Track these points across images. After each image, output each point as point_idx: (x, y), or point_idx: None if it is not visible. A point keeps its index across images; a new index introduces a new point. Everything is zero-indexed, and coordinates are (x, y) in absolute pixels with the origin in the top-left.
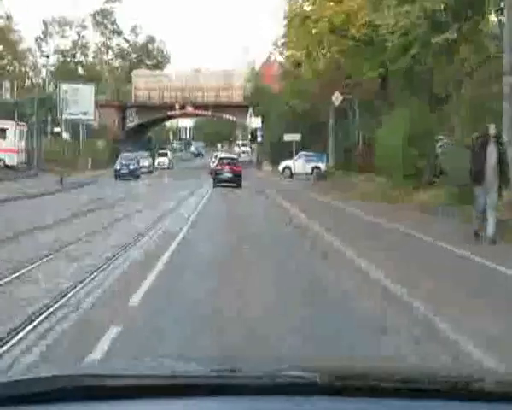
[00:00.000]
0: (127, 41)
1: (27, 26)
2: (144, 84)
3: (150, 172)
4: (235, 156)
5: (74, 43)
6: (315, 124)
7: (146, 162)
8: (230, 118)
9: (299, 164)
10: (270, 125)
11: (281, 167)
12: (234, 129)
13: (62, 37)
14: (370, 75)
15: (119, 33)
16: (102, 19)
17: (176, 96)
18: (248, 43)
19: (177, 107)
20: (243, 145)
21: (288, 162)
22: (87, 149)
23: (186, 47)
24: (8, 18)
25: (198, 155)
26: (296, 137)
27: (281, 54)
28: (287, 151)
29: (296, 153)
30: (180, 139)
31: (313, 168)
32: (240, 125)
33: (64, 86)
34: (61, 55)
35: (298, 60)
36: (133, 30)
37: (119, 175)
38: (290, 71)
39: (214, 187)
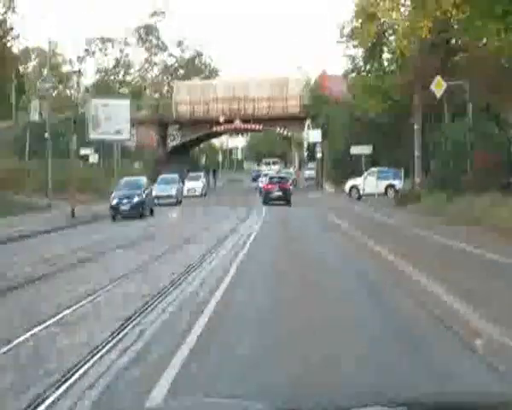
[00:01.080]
0: (173, 56)
1: (72, 47)
2: (187, 96)
3: (178, 201)
4: (284, 175)
5: (117, 61)
6: (390, 133)
7: (173, 189)
8: (285, 132)
9: (370, 182)
10: (332, 139)
11: (347, 187)
12: (289, 147)
13: (105, 55)
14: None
15: (165, 49)
16: (146, 35)
17: (222, 109)
18: (300, 58)
19: (221, 120)
20: (309, 167)
21: (356, 181)
22: (121, 174)
23: (234, 60)
24: (51, 43)
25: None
26: (366, 149)
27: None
28: (353, 168)
29: (366, 169)
30: (231, 161)
31: (387, 187)
32: (296, 140)
33: (95, 101)
34: (103, 74)
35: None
36: (179, 44)
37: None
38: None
39: (264, 205)
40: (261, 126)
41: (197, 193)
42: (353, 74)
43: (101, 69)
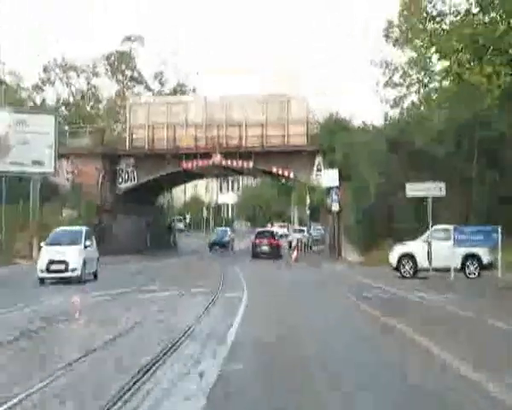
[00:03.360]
0: (151, 91)
1: (28, 73)
2: (145, 119)
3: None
4: (271, 229)
5: (82, 94)
6: (464, 169)
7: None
8: (285, 173)
9: (438, 249)
10: (358, 180)
11: (394, 256)
12: (289, 199)
13: (67, 85)
14: None
15: (140, 81)
16: (119, 63)
17: (196, 138)
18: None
19: (192, 152)
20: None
21: (410, 246)
22: (39, 225)
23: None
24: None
25: (222, 244)
26: (434, 189)
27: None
28: (395, 225)
29: (420, 226)
30: (220, 219)
31: (466, 258)
32: (300, 185)
33: (1, 116)
34: (63, 108)
35: None
36: (157, 77)
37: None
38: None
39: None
40: (251, 164)
41: (67, 274)
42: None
43: (65, 101)
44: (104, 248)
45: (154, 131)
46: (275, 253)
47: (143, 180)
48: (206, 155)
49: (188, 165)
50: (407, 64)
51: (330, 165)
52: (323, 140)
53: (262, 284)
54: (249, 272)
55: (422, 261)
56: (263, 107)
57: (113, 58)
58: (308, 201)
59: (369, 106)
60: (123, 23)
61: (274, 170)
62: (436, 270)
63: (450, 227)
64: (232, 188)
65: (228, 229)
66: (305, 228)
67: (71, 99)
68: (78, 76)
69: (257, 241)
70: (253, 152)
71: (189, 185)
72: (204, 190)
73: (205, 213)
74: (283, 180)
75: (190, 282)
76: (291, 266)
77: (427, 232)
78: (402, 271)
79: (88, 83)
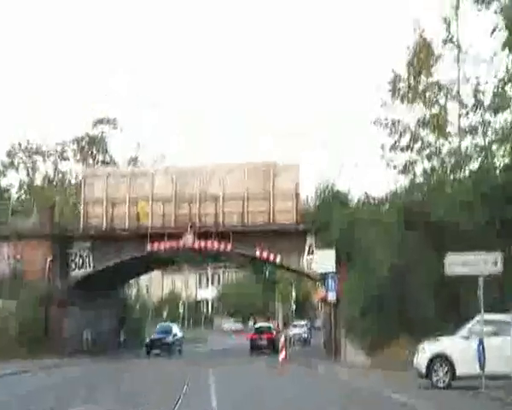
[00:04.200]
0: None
1: None
2: (103, 194)
3: None
4: (268, 324)
5: (48, 180)
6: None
7: None
8: (270, 257)
9: (487, 347)
10: (363, 264)
11: (425, 357)
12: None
13: (31, 170)
14: None
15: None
16: (89, 147)
17: (163, 216)
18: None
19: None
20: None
21: (445, 344)
22: None
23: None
24: None
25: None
26: (489, 263)
27: None
28: (409, 315)
29: (469, 316)
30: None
31: None
32: (284, 278)
33: None
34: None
35: None
36: (131, 162)
37: None
38: None
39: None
40: (229, 246)
41: None
42: None
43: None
44: (49, 346)
45: (114, 207)
46: (272, 347)
47: (101, 267)
48: (177, 236)
49: (154, 247)
50: (419, 124)
51: (325, 247)
52: (317, 217)
53: None
54: (220, 385)
55: (461, 365)
56: (243, 177)
57: (83, 142)
58: (294, 294)
59: (371, 175)
60: (95, 106)
61: (257, 253)
62: (491, 377)
63: (506, 317)
64: (212, 282)
65: (174, 325)
66: (304, 322)
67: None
68: (45, 161)
69: (255, 336)
70: (231, 231)
71: (167, 281)
72: (181, 284)
73: (181, 309)
74: (267, 268)
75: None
76: (278, 371)
77: (469, 325)
78: (434, 379)
79: (55, 168)
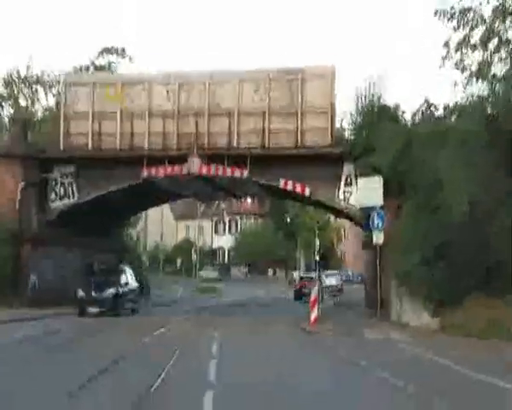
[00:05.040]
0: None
1: None
2: (90, 106)
3: None
4: (311, 275)
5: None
6: None
7: None
8: (297, 189)
9: None
10: (425, 198)
11: None
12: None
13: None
14: None
15: None
16: None
17: (164, 135)
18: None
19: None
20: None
21: None
22: None
23: None
24: None
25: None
26: None
27: None
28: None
29: None
30: (213, 264)
31: None
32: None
33: None
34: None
35: None
36: None
37: None
38: None
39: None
40: (245, 173)
41: None
42: None
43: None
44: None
45: (102, 124)
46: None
47: (88, 197)
48: (180, 160)
49: (151, 173)
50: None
51: (369, 175)
52: (358, 137)
53: None
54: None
55: None
56: (265, 87)
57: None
58: (317, 243)
59: (428, 84)
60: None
61: (281, 183)
62: None
63: None
64: (230, 230)
65: (126, 268)
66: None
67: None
68: (46, 93)
69: (300, 285)
70: (248, 156)
71: (181, 227)
72: (195, 232)
73: (194, 258)
74: (288, 215)
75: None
76: (307, 338)
77: None
78: None
79: (57, 102)
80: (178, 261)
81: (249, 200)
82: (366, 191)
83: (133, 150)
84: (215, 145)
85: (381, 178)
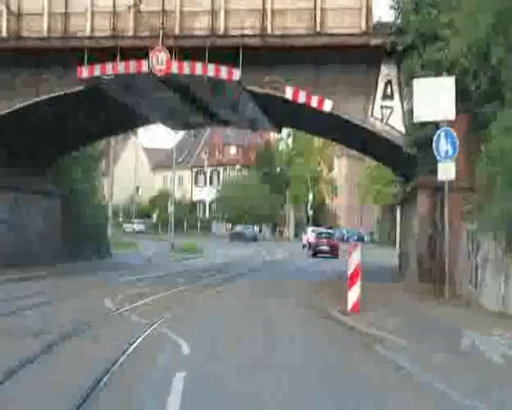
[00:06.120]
0: None
1: None
2: None
3: None
4: (330, 231)
5: None
6: None
7: None
8: (313, 101)
9: None
10: None
11: None
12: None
13: None
14: None
15: None
16: None
17: (114, 17)
18: None
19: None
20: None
21: None
22: None
23: None
24: None
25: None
26: None
27: None
28: None
29: None
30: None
31: None
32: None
33: None
34: None
35: None
36: None
37: None
38: None
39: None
40: (237, 74)
41: None
42: None
43: None
44: None
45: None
46: (333, 252)
47: (2, 112)
48: (138, 52)
49: (93, 72)
50: None
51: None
52: (406, 22)
53: None
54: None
55: None
56: None
57: None
58: (311, 197)
59: None
60: None
61: (288, 93)
62: None
63: None
64: (211, 182)
65: None
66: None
67: None
68: None
69: (316, 241)
70: (241, 47)
71: (158, 178)
72: (173, 183)
73: (170, 211)
74: (279, 167)
75: None
76: (353, 343)
77: None
78: None
79: None
80: (154, 216)
81: (233, 149)
82: (428, 99)
83: (66, 39)
84: (191, 33)
85: (453, 79)
